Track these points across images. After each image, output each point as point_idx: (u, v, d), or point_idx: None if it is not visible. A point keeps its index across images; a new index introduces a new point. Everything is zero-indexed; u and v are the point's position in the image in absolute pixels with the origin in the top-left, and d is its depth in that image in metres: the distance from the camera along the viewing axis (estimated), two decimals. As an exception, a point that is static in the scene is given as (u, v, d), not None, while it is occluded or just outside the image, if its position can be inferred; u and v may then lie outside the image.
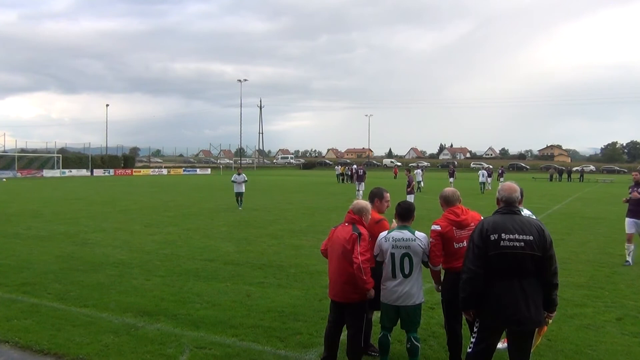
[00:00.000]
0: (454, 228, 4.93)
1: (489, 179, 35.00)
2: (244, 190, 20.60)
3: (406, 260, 4.82)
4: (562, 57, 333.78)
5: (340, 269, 4.84)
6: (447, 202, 5.12)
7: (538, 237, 3.89)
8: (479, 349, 4.05)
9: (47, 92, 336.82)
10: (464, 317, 4.64)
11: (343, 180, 45.38)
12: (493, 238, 3.89)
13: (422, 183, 33.58)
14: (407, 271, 4.82)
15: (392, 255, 4.84)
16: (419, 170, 35.64)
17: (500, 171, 41.92)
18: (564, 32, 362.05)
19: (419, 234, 4.91)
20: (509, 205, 4.09)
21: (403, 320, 4.91)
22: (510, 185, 4.20)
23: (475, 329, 4.16)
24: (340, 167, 52.69)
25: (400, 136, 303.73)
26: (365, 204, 5.11)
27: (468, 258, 4.04)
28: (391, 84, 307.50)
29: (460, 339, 5.01)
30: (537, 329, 4.21)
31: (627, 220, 10.04)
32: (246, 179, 21.14)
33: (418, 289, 4.87)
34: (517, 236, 3.88)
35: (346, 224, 4.96)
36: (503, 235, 3.89)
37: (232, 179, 20.94)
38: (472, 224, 4.80)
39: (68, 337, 5.73)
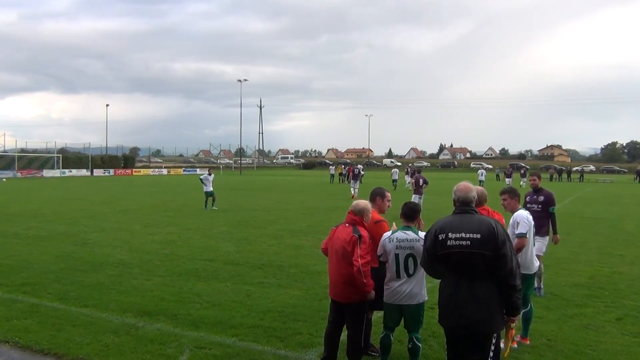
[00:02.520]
0: None
1: (509, 180, 37.06)
2: (212, 189, 20.73)
3: (410, 260, 4.82)
4: (562, 57, 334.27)
5: (341, 270, 4.83)
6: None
7: (487, 235, 3.69)
8: (450, 355, 3.98)
9: (47, 92, 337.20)
10: None
11: (341, 180, 45.35)
12: (441, 238, 3.82)
13: (398, 181, 36.03)
14: (411, 271, 4.83)
15: (397, 256, 4.84)
16: (396, 170, 37.73)
17: (522, 171, 44.33)
18: (564, 32, 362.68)
19: (422, 234, 4.90)
20: (463, 205, 3.98)
21: (406, 319, 4.93)
22: (466, 185, 4.08)
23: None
24: (334, 167, 51.91)
25: (400, 136, 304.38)
26: (366, 204, 5.09)
27: (422, 262, 4.11)
28: (391, 84, 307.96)
29: None
30: (506, 335, 4.12)
31: None
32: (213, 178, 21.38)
33: (421, 288, 4.90)
34: (463, 235, 3.74)
35: (347, 225, 4.94)
36: (450, 234, 3.78)
37: (203, 178, 20.68)
38: None
39: (68, 337, 5.73)
